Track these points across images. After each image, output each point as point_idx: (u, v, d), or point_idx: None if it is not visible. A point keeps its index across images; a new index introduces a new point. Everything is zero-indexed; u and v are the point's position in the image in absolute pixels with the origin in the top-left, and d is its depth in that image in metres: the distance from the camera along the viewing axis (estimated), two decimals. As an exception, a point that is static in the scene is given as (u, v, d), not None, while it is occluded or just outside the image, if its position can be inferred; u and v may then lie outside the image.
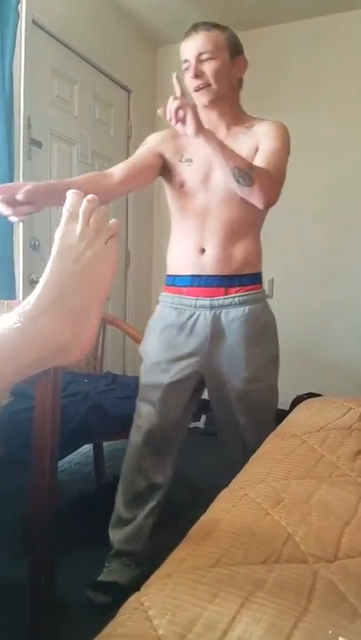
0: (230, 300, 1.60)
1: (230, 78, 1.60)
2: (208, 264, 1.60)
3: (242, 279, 1.63)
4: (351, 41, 3.09)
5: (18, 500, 1.87)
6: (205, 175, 1.60)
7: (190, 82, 1.56)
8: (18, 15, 2.26)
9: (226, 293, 1.60)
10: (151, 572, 0.73)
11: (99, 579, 1.60)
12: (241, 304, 1.61)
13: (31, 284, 2.51)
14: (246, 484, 0.97)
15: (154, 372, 1.66)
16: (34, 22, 2.51)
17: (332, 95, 3.16)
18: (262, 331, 1.66)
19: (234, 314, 1.60)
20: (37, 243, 2.58)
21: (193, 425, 3.24)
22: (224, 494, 0.96)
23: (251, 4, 3.05)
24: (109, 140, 3.21)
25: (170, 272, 1.70)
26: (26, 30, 2.41)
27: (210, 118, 1.60)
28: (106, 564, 1.65)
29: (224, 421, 1.72)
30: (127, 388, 2.03)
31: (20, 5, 2.27)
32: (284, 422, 1.49)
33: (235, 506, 0.87)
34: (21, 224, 2.42)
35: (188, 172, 1.62)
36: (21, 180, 2.38)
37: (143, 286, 3.67)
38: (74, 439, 1.75)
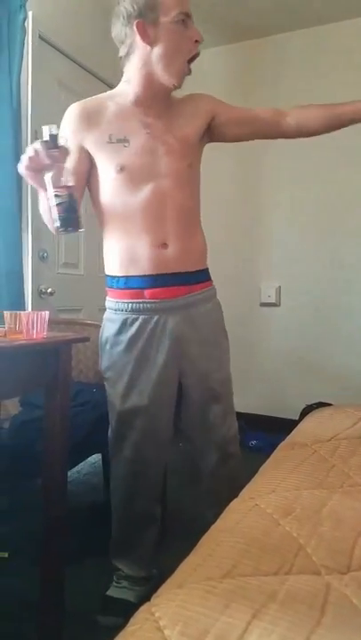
0: (194, 297, 1.48)
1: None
2: (172, 260, 1.43)
3: (201, 274, 1.53)
4: (351, 49, 3.09)
5: (27, 510, 1.87)
6: (152, 159, 1.41)
7: (189, 44, 1.40)
8: (25, 31, 2.29)
9: (189, 291, 1.47)
10: (161, 583, 0.72)
11: (108, 593, 1.51)
12: (205, 301, 1.51)
13: (40, 295, 2.52)
14: (257, 495, 0.96)
15: (130, 396, 1.45)
16: (40, 37, 2.53)
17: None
18: (222, 326, 1.58)
19: (200, 312, 1.49)
20: (46, 254, 2.60)
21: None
22: (234, 504, 0.95)
23: (250, 14, 3.04)
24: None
25: (117, 273, 1.46)
26: (32, 45, 2.43)
27: (158, 91, 1.44)
28: (116, 581, 1.55)
29: (197, 422, 1.53)
30: (136, 398, 2.02)
31: (26, 21, 2.30)
32: (293, 432, 1.48)
33: (245, 516, 0.87)
34: (30, 236, 2.43)
35: (125, 155, 1.40)
36: (30, 199, 2.39)
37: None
38: (83, 449, 1.75)
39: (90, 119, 1.43)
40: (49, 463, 1.29)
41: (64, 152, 1.23)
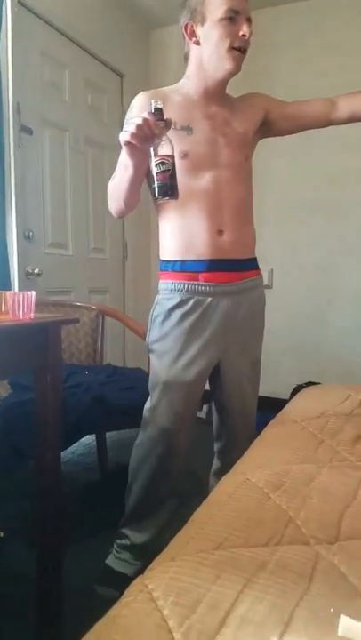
0: (245, 284, 1.57)
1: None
2: (227, 247, 1.51)
3: (252, 263, 1.62)
4: (349, 20, 3.06)
5: (21, 492, 1.89)
6: (213, 149, 1.49)
7: (237, 38, 1.43)
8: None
9: (241, 278, 1.56)
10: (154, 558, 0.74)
11: (107, 562, 1.58)
12: (254, 288, 1.61)
13: (27, 276, 2.50)
14: (247, 470, 0.98)
15: (177, 370, 1.51)
16: (20, 3, 2.41)
17: (331, 77, 3.14)
18: (262, 314, 1.68)
19: (249, 299, 1.58)
20: (32, 234, 2.55)
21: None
22: (226, 479, 0.97)
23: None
24: (103, 127, 3.16)
25: (174, 257, 1.54)
26: (12, 11, 2.33)
27: (214, 86, 1.51)
28: (117, 550, 1.60)
29: (233, 398, 1.63)
30: (128, 380, 2.04)
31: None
32: (284, 409, 1.50)
33: (236, 490, 0.89)
34: (14, 215, 2.39)
35: (189, 141, 1.47)
36: (12, 170, 2.36)
37: (142, 277, 3.67)
38: (76, 430, 1.76)
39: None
40: (42, 445, 1.30)
41: (168, 124, 1.31)
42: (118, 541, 1.61)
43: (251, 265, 1.61)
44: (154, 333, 1.57)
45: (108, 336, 3.12)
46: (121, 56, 3.29)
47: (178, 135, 1.45)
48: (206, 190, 1.49)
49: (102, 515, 1.94)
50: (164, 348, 1.54)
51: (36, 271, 2.51)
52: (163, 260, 1.58)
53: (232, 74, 1.48)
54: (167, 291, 1.54)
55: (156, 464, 1.55)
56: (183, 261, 1.52)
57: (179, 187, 1.38)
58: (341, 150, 3.06)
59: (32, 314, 1.21)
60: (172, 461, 1.56)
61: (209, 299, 1.51)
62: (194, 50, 1.50)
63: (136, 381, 2.00)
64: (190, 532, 0.77)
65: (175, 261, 1.53)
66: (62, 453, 1.54)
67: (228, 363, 1.58)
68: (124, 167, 1.40)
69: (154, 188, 1.31)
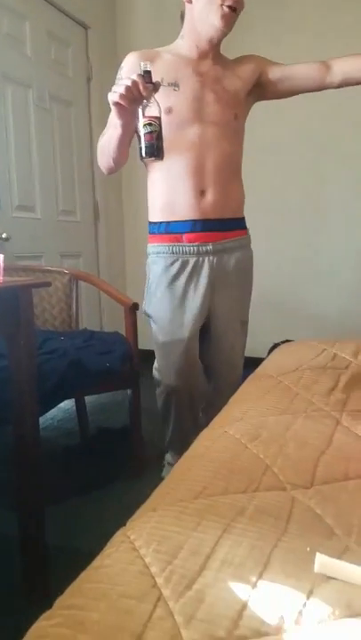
0: (229, 244, 1.61)
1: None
2: (209, 207, 1.54)
3: (237, 222, 1.65)
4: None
5: (1, 456, 1.89)
6: (198, 103, 1.50)
7: None
8: None
9: (224, 238, 1.59)
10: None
11: (163, 474, 1.86)
12: (238, 248, 1.64)
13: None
14: (225, 423, 1.00)
15: (172, 331, 1.61)
16: None
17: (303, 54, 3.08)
18: (250, 274, 1.72)
19: (234, 258, 1.62)
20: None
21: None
22: (205, 433, 0.99)
23: None
24: (68, 82, 3.04)
25: (160, 219, 1.59)
26: None
27: (207, 44, 1.53)
28: (168, 464, 1.85)
29: (221, 351, 1.72)
30: (105, 344, 2.03)
31: None
32: (260, 366, 1.52)
33: (215, 442, 0.90)
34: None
35: (174, 97, 1.49)
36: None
37: (115, 239, 3.62)
38: (54, 395, 1.76)
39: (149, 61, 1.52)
40: (19, 411, 1.29)
41: (157, 86, 1.33)
42: (165, 462, 1.90)
43: (235, 225, 1.64)
44: (148, 300, 1.68)
45: (83, 300, 3.09)
46: (85, 6, 3.13)
47: (164, 91, 1.45)
48: (191, 146, 1.50)
49: (81, 476, 1.97)
50: (158, 313, 1.63)
51: (3, 236, 2.45)
52: (150, 223, 1.64)
53: (222, 32, 1.50)
54: (154, 255, 1.63)
55: (175, 410, 1.71)
56: (168, 223, 1.58)
57: (164, 143, 1.40)
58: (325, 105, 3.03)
59: (0, 278, 1.19)
60: (190, 403, 1.71)
61: (194, 259, 1.57)
62: (188, 8, 1.52)
63: (113, 345, 2.00)
64: (170, 483, 0.79)
65: (160, 223, 1.60)
66: (42, 419, 1.55)
67: (217, 318, 1.65)
68: (113, 126, 1.41)
69: (140, 148, 1.33)
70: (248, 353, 2.00)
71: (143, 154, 1.33)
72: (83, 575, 0.61)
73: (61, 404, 2.07)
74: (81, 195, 3.23)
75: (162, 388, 1.71)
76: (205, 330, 1.67)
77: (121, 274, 3.70)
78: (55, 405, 1.80)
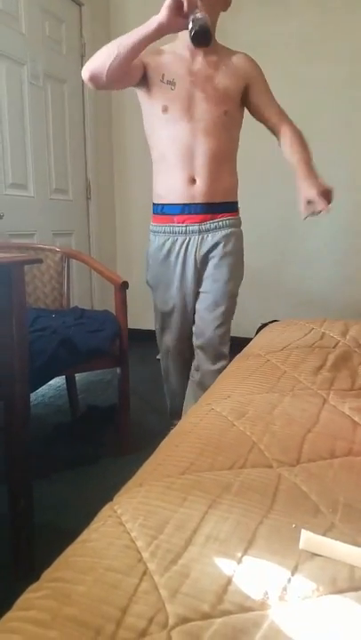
0: (216, 224, 1.77)
1: (221, 3, 1.67)
2: (198, 194, 1.73)
3: (227, 206, 1.80)
4: None
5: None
6: (189, 102, 1.66)
7: None
8: None
9: (212, 219, 1.77)
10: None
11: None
12: (226, 227, 1.79)
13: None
14: (213, 401, 1.01)
15: (165, 300, 1.86)
16: None
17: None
18: (238, 252, 1.84)
19: (219, 235, 1.78)
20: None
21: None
22: (192, 410, 0.99)
23: None
24: (62, 59, 2.99)
25: (159, 200, 1.80)
26: None
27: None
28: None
29: (207, 317, 1.85)
30: (96, 322, 2.03)
31: None
32: (248, 345, 1.52)
33: (202, 420, 0.91)
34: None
35: (170, 96, 1.65)
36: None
37: (107, 218, 3.59)
38: (45, 373, 1.76)
39: (154, 55, 1.67)
40: (9, 387, 1.29)
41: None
42: (175, 422, 1.99)
43: (224, 208, 1.79)
44: (148, 272, 1.90)
45: (75, 279, 3.07)
46: (78, -19, 3.08)
47: (163, 89, 1.65)
48: (183, 141, 1.67)
49: (71, 452, 1.98)
50: (155, 284, 1.88)
51: (-4, 213, 2.43)
52: (153, 204, 1.83)
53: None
54: (152, 233, 1.85)
55: (174, 370, 1.97)
56: (163, 205, 1.78)
57: (161, 138, 1.70)
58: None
59: (-9, 254, 1.18)
60: (183, 360, 1.94)
61: (182, 237, 1.77)
62: None
63: (104, 323, 2.00)
64: (157, 459, 0.79)
65: (158, 204, 1.80)
66: (33, 396, 1.56)
67: (205, 289, 1.83)
68: (147, 25, 1.49)
69: (194, 31, 1.46)
70: (236, 333, 2.02)
71: (195, 31, 1.46)
72: (69, 549, 0.62)
73: (52, 382, 2.07)
74: (73, 173, 3.20)
75: (162, 350, 1.97)
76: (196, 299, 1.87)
77: (112, 253, 3.68)
78: (45, 382, 1.81)
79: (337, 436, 0.87)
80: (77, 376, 2.40)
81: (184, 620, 0.48)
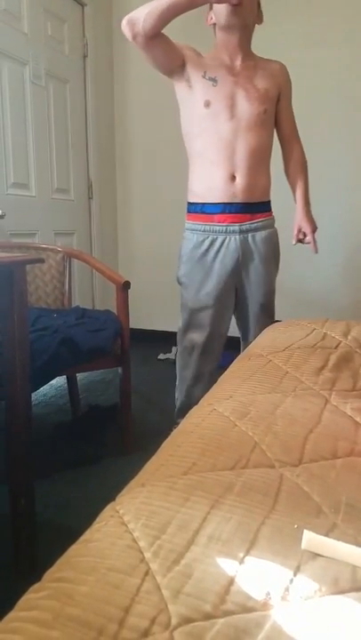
0: (256, 224, 1.84)
1: (255, 13, 1.75)
2: (239, 192, 1.77)
3: (264, 206, 1.87)
4: None
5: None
6: (231, 100, 1.72)
7: None
8: None
9: (252, 219, 1.83)
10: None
11: None
12: (263, 228, 1.86)
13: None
14: (215, 401, 1.00)
15: (200, 298, 1.87)
16: None
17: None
18: (276, 250, 1.94)
19: (258, 237, 1.84)
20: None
21: (164, 357, 3.30)
22: (194, 411, 0.99)
23: None
24: (64, 59, 3.00)
25: (197, 200, 1.83)
26: None
27: (229, 41, 1.74)
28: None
29: (249, 316, 1.97)
30: (97, 322, 2.03)
31: None
32: (250, 345, 1.52)
33: (204, 420, 0.91)
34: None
35: (212, 92, 1.71)
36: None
37: (109, 218, 3.60)
38: (46, 372, 1.76)
39: (193, 54, 1.75)
40: (11, 387, 1.29)
41: None
42: (178, 421, 1.88)
43: (261, 208, 1.86)
44: (180, 269, 1.91)
45: (76, 278, 3.08)
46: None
47: (205, 84, 1.71)
48: (224, 137, 1.73)
49: (72, 452, 1.98)
50: (189, 281, 1.88)
51: (-2, 213, 2.42)
52: (189, 203, 1.88)
53: (231, 24, 1.69)
54: (189, 231, 1.87)
55: (194, 367, 1.95)
56: (203, 204, 1.81)
57: (201, 134, 1.75)
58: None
59: (-6, 253, 1.18)
60: (206, 364, 1.94)
61: (222, 236, 1.81)
62: (212, 25, 1.78)
63: (105, 323, 2.00)
64: (160, 459, 0.79)
65: (197, 204, 1.83)
66: (34, 395, 1.56)
67: (242, 291, 1.91)
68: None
69: None
70: (236, 333, 2.04)
71: None
72: (72, 549, 0.61)
73: (53, 381, 2.08)
74: (75, 173, 3.20)
75: (184, 345, 1.96)
76: (236, 298, 1.94)
77: (113, 252, 3.68)
78: (47, 382, 1.81)
79: (339, 436, 0.87)
80: (78, 376, 2.40)
81: (186, 621, 0.48)
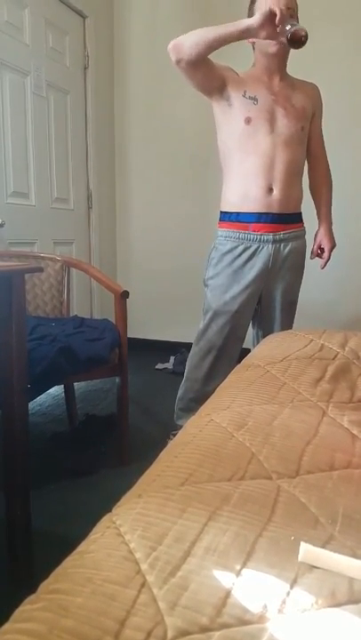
0: (289, 234, 1.93)
1: None
2: (275, 203, 1.87)
3: (296, 217, 1.97)
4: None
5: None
6: (271, 116, 1.82)
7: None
8: None
9: (285, 229, 1.92)
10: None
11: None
12: (295, 239, 1.96)
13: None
14: (212, 411, 1.00)
15: (225, 301, 1.94)
16: None
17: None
18: (302, 260, 2.02)
19: (290, 247, 1.94)
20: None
21: (162, 366, 3.29)
22: (191, 422, 0.99)
23: None
24: (65, 70, 3.03)
25: (232, 209, 1.91)
26: None
27: (269, 64, 1.84)
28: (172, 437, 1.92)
29: (268, 322, 2.05)
30: (95, 331, 2.03)
31: None
32: (248, 356, 1.52)
33: (201, 430, 0.90)
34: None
35: (253, 110, 1.81)
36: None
37: (108, 228, 3.61)
38: (43, 381, 1.76)
39: (233, 74, 1.84)
40: (8, 395, 1.29)
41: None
42: (173, 432, 2.01)
43: (295, 219, 1.96)
44: (209, 271, 1.99)
45: (75, 288, 3.08)
46: (82, -5, 3.12)
47: (245, 103, 1.80)
48: (263, 152, 1.82)
49: (68, 461, 1.97)
50: (216, 284, 1.95)
51: (-2, 221, 2.44)
52: (222, 212, 1.96)
53: (274, 50, 1.78)
54: (222, 237, 1.94)
55: (207, 369, 2.00)
56: (238, 213, 1.89)
57: (241, 149, 1.84)
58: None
59: (-7, 262, 1.18)
60: (219, 367, 1.97)
61: (256, 245, 1.89)
62: (253, 46, 1.86)
63: (103, 332, 2.00)
64: (156, 470, 0.79)
65: (232, 213, 1.91)
66: (31, 404, 1.55)
67: (268, 297, 1.99)
68: (235, 25, 1.63)
69: (291, 34, 1.61)
70: (250, 344, 2.05)
71: (297, 33, 1.60)
72: (67, 560, 0.61)
73: (50, 390, 2.07)
74: (75, 183, 3.22)
75: (200, 346, 2.02)
76: (259, 305, 2.02)
77: (112, 262, 3.69)
78: (44, 391, 1.81)
79: (336, 448, 0.87)
80: (76, 385, 2.40)
81: (183, 633, 0.48)
